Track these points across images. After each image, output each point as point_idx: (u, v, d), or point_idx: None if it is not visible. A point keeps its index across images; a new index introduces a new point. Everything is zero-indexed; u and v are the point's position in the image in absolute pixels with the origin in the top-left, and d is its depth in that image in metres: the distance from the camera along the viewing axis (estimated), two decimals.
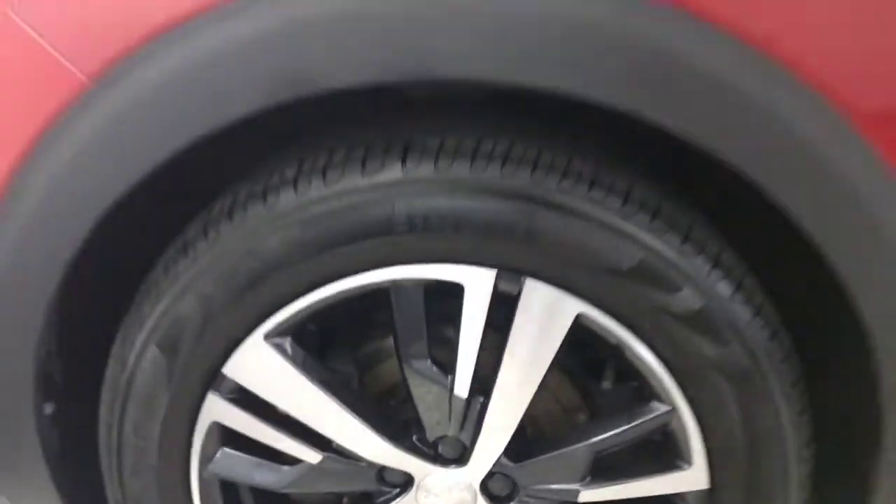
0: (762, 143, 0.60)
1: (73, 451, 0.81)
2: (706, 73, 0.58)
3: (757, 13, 0.57)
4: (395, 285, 0.68)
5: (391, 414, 0.79)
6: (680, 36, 0.57)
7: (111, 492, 0.79)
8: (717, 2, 0.57)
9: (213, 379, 0.72)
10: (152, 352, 0.71)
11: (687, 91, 0.59)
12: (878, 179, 0.60)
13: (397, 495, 0.77)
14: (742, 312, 0.67)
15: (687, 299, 0.66)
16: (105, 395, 0.76)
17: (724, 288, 0.66)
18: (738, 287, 0.67)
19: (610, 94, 0.59)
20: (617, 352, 0.71)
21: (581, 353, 0.78)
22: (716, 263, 0.66)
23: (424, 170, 0.65)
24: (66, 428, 0.80)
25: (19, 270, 0.69)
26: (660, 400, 0.71)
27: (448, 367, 0.71)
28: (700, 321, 0.66)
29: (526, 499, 0.77)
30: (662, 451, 0.75)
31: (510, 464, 0.75)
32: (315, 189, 0.66)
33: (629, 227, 0.64)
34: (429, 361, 0.71)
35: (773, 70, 0.57)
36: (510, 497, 0.77)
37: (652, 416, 0.72)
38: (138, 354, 0.72)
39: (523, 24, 0.57)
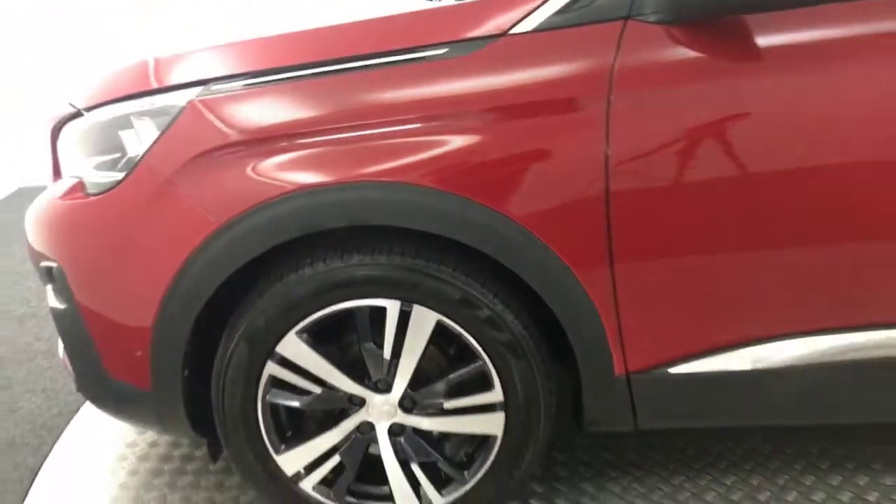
0: (499, 246, 1.45)
1: (196, 394, 1.62)
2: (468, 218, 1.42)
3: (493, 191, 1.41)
4: (357, 308, 1.51)
5: (356, 368, 1.61)
6: (458, 203, 1.41)
7: (217, 413, 1.60)
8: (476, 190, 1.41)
9: (271, 354, 1.54)
10: (242, 343, 1.53)
11: (465, 225, 1.43)
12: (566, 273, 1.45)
13: (358, 409, 1.60)
14: (509, 317, 1.51)
15: (483, 312, 1.50)
16: (217, 363, 1.57)
17: (500, 307, 1.50)
18: (507, 306, 1.51)
19: (443, 231, 1.44)
20: (459, 337, 1.54)
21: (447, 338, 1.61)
22: (496, 295, 1.50)
23: (367, 259, 1.48)
24: (193, 382, 1.61)
25: (185, 309, 1.50)
26: (479, 358, 1.54)
27: (380, 345, 1.54)
28: (490, 322, 1.50)
29: (420, 409, 1.60)
30: (483, 382, 1.58)
31: (411, 391, 1.58)
32: (320, 267, 1.49)
33: (455, 282, 1.48)
34: (371, 343, 1.55)
35: (494, 215, 1.42)
36: (413, 408, 1.60)
37: (475, 365, 1.55)
38: (235, 344, 1.53)
39: (404, 206, 1.42)
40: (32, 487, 1.99)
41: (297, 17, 1.81)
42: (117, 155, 1.55)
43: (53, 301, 1.68)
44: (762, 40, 1.41)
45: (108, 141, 1.58)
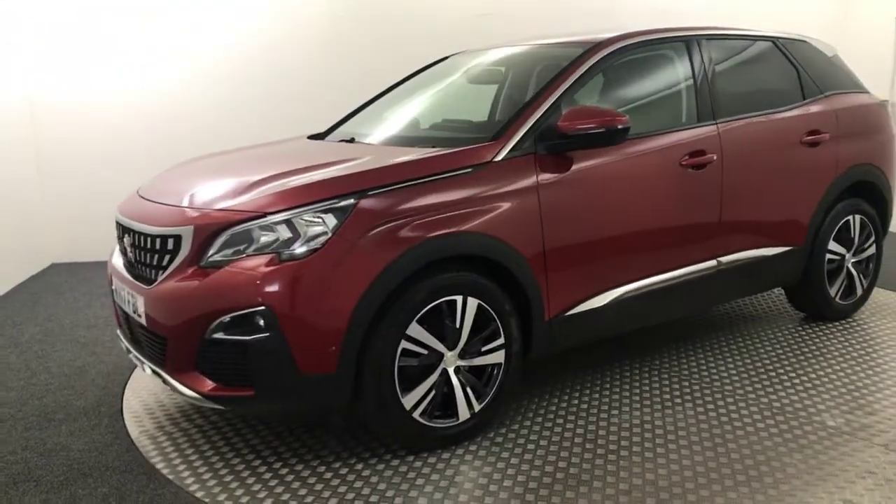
0: (504, 259, 3.01)
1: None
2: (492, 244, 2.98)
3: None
4: (444, 302, 2.88)
5: (444, 336, 2.92)
6: (480, 241, 2.96)
7: (371, 375, 2.76)
8: (498, 232, 2.96)
9: (404, 334, 2.80)
10: (391, 331, 2.76)
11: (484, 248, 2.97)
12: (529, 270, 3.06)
13: (439, 362, 2.92)
14: (506, 299, 3.04)
15: (495, 297, 3.00)
16: (374, 346, 2.75)
17: (501, 293, 3.03)
18: (505, 291, 3.05)
19: (486, 253, 2.94)
20: (489, 311, 3.01)
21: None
22: (499, 288, 3.04)
23: (449, 275, 2.88)
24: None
25: (366, 315, 2.69)
26: (493, 322, 3.02)
27: (452, 321, 2.92)
28: (498, 301, 3.01)
29: (469, 355, 2.99)
30: (492, 335, 3.05)
31: (465, 346, 2.97)
32: (426, 283, 2.83)
33: (484, 282, 2.97)
34: (448, 321, 2.92)
35: (494, 241, 2.99)
36: (464, 355, 2.98)
37: (492, 326, 3.02)
38: (387, 332, 2.75)
39: (472, 243, 2.90)
40: None
41: None
42: (310, 234, 2.67)
43: (248, 336, 2.64)
44: (577, 158, 3.25)
45: (289, 229, 2.69)
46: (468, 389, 3.01)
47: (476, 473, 2.80)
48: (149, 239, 2.93)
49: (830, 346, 4.06)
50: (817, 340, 4.15)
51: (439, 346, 2.90)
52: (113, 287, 3.32)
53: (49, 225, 6.65)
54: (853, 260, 4.44)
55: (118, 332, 3.45)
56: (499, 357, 3.07)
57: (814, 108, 4.19)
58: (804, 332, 4.28)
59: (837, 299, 4.41)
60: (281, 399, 2.76)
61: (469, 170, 2.99)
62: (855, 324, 4.43)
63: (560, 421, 3.22)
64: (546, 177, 3.13)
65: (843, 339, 4.17)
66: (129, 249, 3.09)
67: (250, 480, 2.82)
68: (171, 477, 2.89)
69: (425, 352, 2.88)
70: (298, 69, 6.81)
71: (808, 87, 4.25)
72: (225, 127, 6.64)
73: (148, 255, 2.94)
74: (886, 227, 4.66)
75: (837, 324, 4.42)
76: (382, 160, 3.02)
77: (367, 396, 2.80)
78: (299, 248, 2.68)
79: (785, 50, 4.25)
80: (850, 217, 4.37)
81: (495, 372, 3.09)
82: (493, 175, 3.03)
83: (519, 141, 3.12)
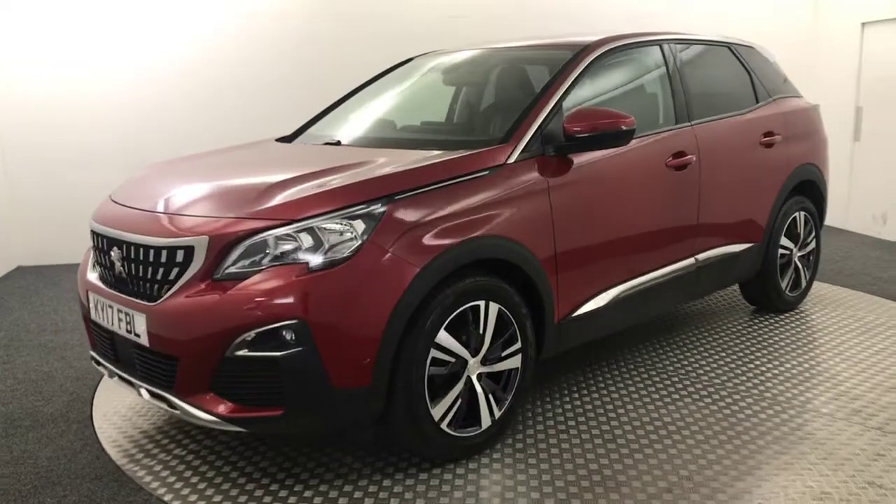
0: (523, 262, 2.97)
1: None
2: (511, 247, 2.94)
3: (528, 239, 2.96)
4: (468, 308, 2.81)
5: (467, 343, 2.84)
6: (502, 245, 2.91)
7: (404, 385, 2.64)
8: (516, 233, 2.93)
9: (433, 342, 2.70)
10: (421, 339, 2.66)
11: (506, 252, 2.93)
12: (542, 272, 3.04)
13: (463, 370, 2.84)
14: (522, 304, 3.01)
15: (514, 302, 2.96)
16: (405, 355, 2.63)
17: (519, 298, 2.99)
18: (520, 295, 3.01)
19: (503, 256, 2.90)
20: (508, 316, 2.96)
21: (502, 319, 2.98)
22: (516, 293, 3.00)
23: (472, 279, 2.82)
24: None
25: (398, 324, 2.57)
26: (511, 326, 2.98)
27: (476, 327, 2.85)
28: (516, 306, 2.97)
29: (489, 361, 2.93)
30: (510, 340, 3.01)
31: (487, 353, 2.91)
32: (451, 289, 2.75)
33: (504, 287, 2.93)
34: (472, 327, 2.85)
35: (513, 244, 2.95)
36: (486, 361, 2.92)
37: (510, 331, 2.98)
38: (417, 341, 2.65)
39: (491, 247, 2.85)
40: None
41: None
42: (338, 242, 2.53)
43: (278, 352, 2.47)
44: (576, 159, 3.26)
45: (313, 237, 2.54)
46: (489, 396, 2.95)
47: (511, 481, 2.74)
48: (151, 251, 2.68)
49: (790, 335, 4.29)
50: (776, 331, 4.37)
51: (464, 353, 2.83)
52: (90, 305, 3.01)
53: (14, 227, 6.40)
54: (799, 254, 4.72)
55: (93, 352, 3.14)
56: (516, 362, 3.03)
57: (767, 111, 4.41)
58: (760, 324, 4.50)
59: (787, 292, 4.67)
60: (312, 417, 2.59)
61: (486, 172, 2.93)
62: (803, 315, 4.70)
63: (572, 423, 3.21)
64: (555, 178, 3.12)
65: (798, 329, 4.42)
66: (118, 263, 2.81)
67: (251, 487, 2.65)
68: (146, 483, 2.81)
69: (452, 360, 2.79)
70: (271, 68, 6.69)
71: (760, 90, 4.47)
72: (197, 127, 6.49)
73: (149, 268, 2.68)
74: (823, 222, 4.98)
75: (787, 315, 4.68)
76: (399, 164, 2.90)
77: (398, 408, 2.68)
78: (328, 257, 2.53)
79: (738, 55, 4.46)
80: (797, 214, 4.63)
81: (512, 376, 3.04)
82: (507, 177, 2.98)
83: (528, 143, 3.10)
